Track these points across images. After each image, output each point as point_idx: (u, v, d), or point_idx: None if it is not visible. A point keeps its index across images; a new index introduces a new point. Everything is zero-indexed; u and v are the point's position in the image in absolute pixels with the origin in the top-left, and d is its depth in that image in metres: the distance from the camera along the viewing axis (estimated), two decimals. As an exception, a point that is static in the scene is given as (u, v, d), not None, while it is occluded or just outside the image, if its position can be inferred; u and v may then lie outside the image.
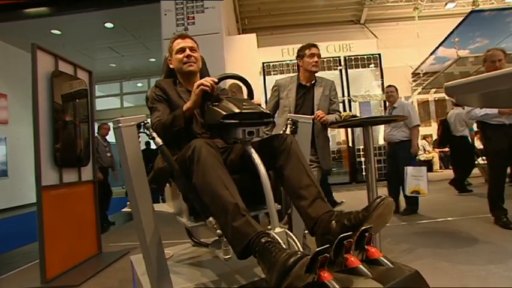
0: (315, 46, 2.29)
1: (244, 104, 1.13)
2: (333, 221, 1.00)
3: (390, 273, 0.85)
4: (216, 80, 1.26)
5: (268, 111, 1.18)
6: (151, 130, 1.17)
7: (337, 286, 0.77)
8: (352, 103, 7.61)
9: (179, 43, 1.51)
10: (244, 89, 1.38)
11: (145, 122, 1.16)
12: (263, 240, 0.88)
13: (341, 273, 0.84)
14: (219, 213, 0.98)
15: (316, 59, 2.24)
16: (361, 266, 0.85)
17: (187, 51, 1.48)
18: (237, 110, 1.08)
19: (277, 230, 0.99)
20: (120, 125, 1.10)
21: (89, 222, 2.85)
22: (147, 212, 1.19)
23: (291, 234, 0.99)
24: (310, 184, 1.10)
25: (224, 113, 1.08)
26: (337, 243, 0.86)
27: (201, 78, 1.57)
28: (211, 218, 1.05)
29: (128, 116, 1.13)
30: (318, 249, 0.79)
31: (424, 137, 9.42)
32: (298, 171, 1.12)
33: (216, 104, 1.16)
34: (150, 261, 1.19)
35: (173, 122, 1.29)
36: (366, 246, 0.92)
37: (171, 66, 1.55)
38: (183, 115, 1.27)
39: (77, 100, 2.84)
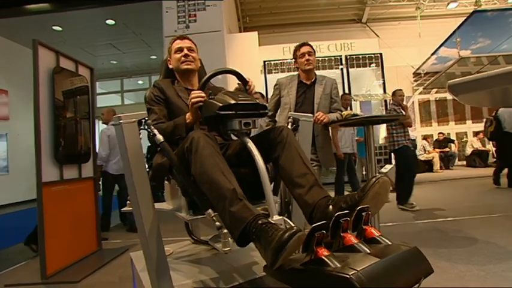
0: (305, 44, 2.29)
1: (239, 95, 1.14)
2: (330, 205, 1.01)
3: (388, 249, 0.84)
4: (204, 95, 1.24)
5: (264, 103, 1.20)
6: (152, 127, 1.17)
7: (334, 261, 0.76)
8: (353, 102, 7.60)
9: (178, 43, 1.56)
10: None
11: (146, 118, 1.16)
12: (260, 222, 0.89)
13: (338, 252, 0.83)
14: (217, 200, 0.99)
15: (307, 57, 2.24)
16: (358, 243, 0.84)
17: (185, 51, 1.53)
18: (232, 102, 1.09)
19: (276, 217, 0.99)
20: (121, 121, 1.10)
21: (89, 218, 2.85)
22: (148, 209, 1.19)
23: (290, 221, 0.99)
24: (306, 172, 1.11)
25: (220, 105, 1.09)
26: (334, 223, 0.85)
27: (199, 78, 1.60)
28: (210, 210, 1.06)
29: (128, 113, 1.13)
30: (314, 225, 0.78)
31: (425, 137, 9.41)
32: (294, 160, 1.13)
33: (212, 97, 1.17)
34: (150, 258, 1.20)
35: (174, 131, 1.31)
36: (363, 226, 0.91)
37: (170, 66, 1.59)
38: (185, 126, 1.29)
39: (78, 97, 2.84)
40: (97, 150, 3.51)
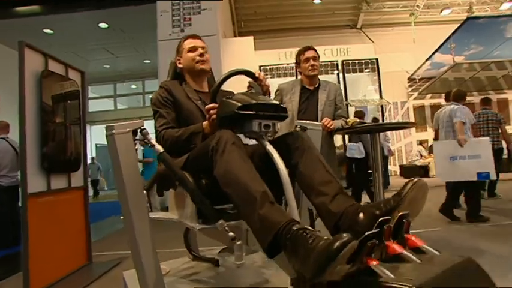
0: (309, 49, 2.19)
1: (259, 96, 1.08)
2: (360, 213, 0.90)
3: (440, 259, 0.74)
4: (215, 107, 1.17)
5: (284, 105, 1.12)
6: (149, 137, 1.06)
7: (386, 271, 0.66)
8: (349, 107, 7.59)
9: (191, 42, 1.48)
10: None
11: (141, 128, 1.05)
12: (295, 228, 0.77)
13: (385, 263, 0.73)
14: (244, 203, 0.89)
15: (312, 62, 2.14)
16: (406, 252, 0.74)
17: (200, 50, 1.46)
18: (253, 101, 1.01)
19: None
20: (113, 131, 0.99)
21: (79, 230, 2.70)
22: (142, 225, 1.09)
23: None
24: (330, 180, 1.01)
25: (239, 104, 1.00)
26: (377, 229, 0.74)
27: (208, 83, 1.54)
28: (221, 221, 0.96)
29: (122, 122, 1.02)
30: (367, 233, 0.69)
31: (421, 142, 9.43)
32: (316, 167, 1.04)
33: (229, 97, 1.08)
34: (145, 279, 1.09)
35: (190, 139, 1.22)
36: (405, 235, 0.80)
37: (179, 65, 1.50)
38: (202, 135, 1.21)
39: (68, 101, 2.71)
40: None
